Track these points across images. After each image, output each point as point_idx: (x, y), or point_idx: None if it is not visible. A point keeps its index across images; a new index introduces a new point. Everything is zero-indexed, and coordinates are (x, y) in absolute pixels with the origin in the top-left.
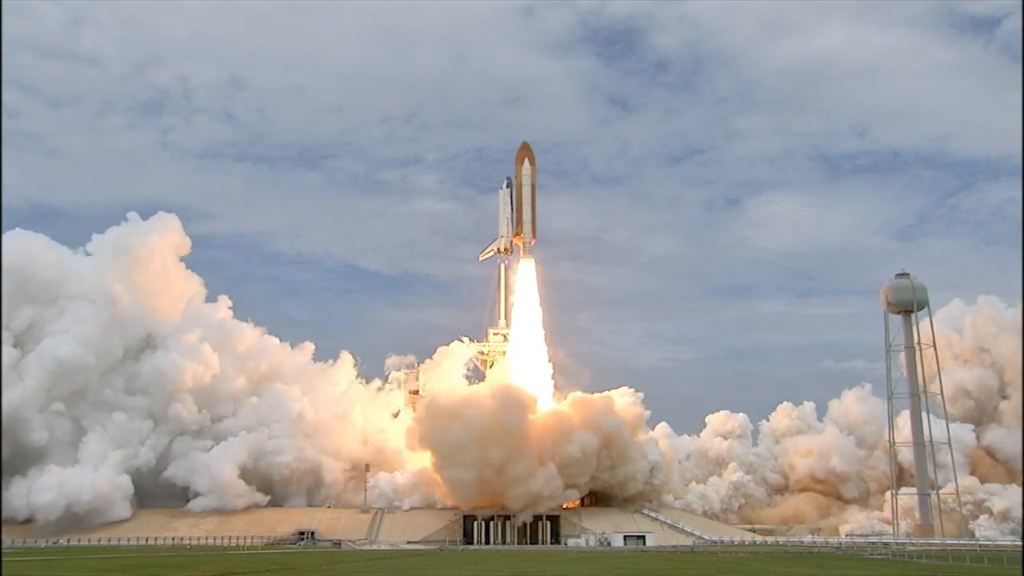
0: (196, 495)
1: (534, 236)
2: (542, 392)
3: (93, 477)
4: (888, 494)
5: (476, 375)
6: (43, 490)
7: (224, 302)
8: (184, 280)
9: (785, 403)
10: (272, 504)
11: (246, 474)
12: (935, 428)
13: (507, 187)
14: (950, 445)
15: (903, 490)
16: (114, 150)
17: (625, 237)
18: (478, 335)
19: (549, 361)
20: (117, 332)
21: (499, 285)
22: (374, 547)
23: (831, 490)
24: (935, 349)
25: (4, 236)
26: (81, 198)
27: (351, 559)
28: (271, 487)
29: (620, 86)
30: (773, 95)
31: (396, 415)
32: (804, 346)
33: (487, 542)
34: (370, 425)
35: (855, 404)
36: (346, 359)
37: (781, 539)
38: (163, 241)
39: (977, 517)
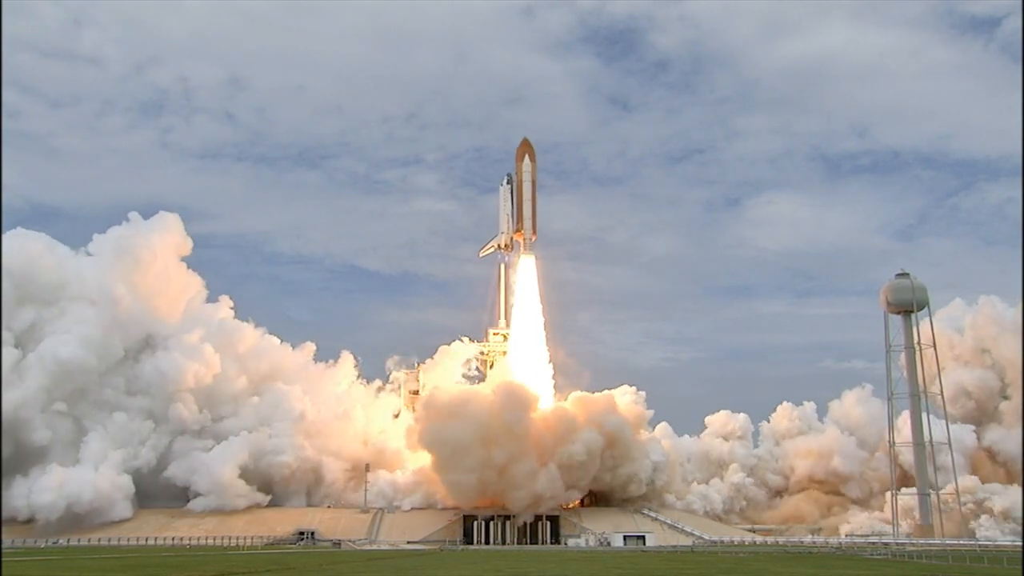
0: (196, 495)
1: (534, 232)
2: (543, 391)
3: (94, 477)
4: (888, 494)
5: (477, 375)
6: (44, 490)
7: (225, 302)
8: (185, 280)
9: (785, 403)
10: (272, 504)
11: (246, 474)
12: (935, 429)
13: (507, 183)
14: (950, 445)
15: (904, 490)
16: (114, 150)
17: (625, 237)
18: (478, 335)
19: (549, 359)
20: (118, 332)
21: (499, 285)
22: (374, 547)
23: (833, 490)
24: (935, 349)
25: (5, 236)
26: (81, 198)
27: (351, 559)
28: (271, 487)
29: (620, 86)
30: (773, 95)
31: (396, 415)
32: (804, 346)
33: (487, 542)
34: (371, 425)
35: (855, 405)
36: (347, 359)
37: (781, 539)
38: (164, 241)
39: (978, 517)
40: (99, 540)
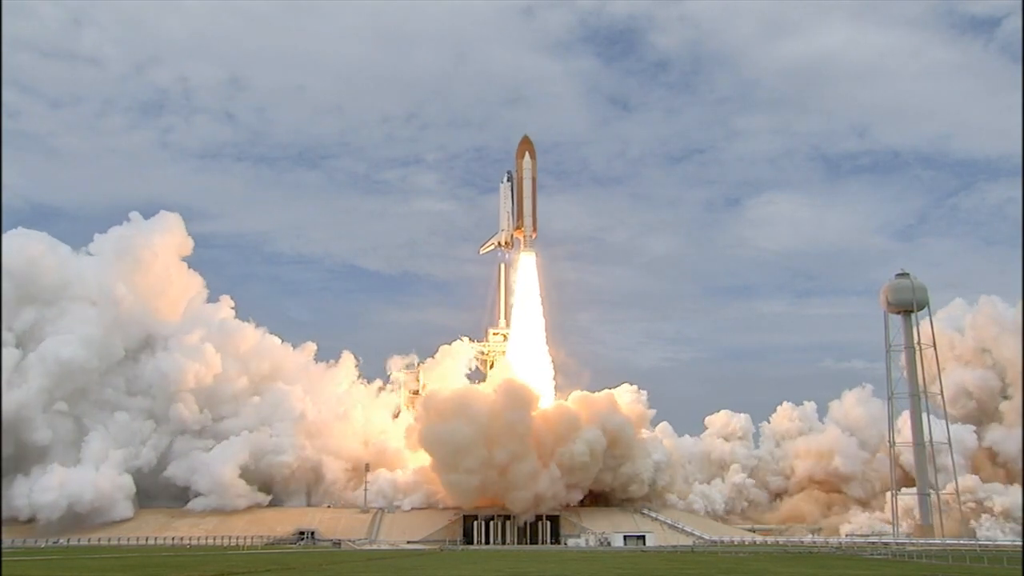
0: (196, 495)
1: (535, 229)
2: (543, 390)
3: (95, 477)
4: (888, 494)
5: (477, 376)
6: (45, 490)
7: (226, 302)
8: (186, 280)
9: (786, 403)
10: (273, 504)
11: (247, 474)
12: (936, 429)
13: (507, 181)
14: (950, 446)
15: (904, 490)
16: (114, 150)
17: (625, 237)
18: (478, 335)
19: (549, 357)
20: (119, 332)
21: (499, 285)
22: (374, 547)
23: (834, 489)
24: (935, 349)
25: (6, 235)
26: (81, 198)
27: (351, 559)
28: (272, 487)
29: (620, 86)
30: (773, 95)
31: (397, 415)
32: (804, 346)
33: (487, 542)
34: (371, 425)
35: (856, 405)
36: (347, 359)
37: (781, 539)
38: (165, 241)
39: (979, 516)
40: (99, 540)
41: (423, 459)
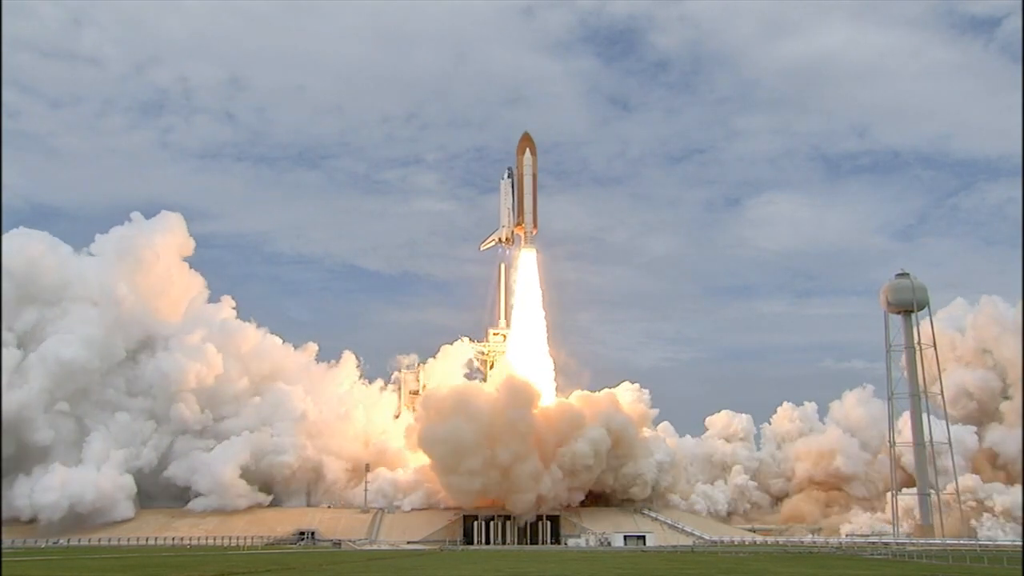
0: (197, 495)
1: (535, 226)
2: (545, 388)
3: (96, 477)
4: (888, 494)
5: (477, 376)
6: (47, 490)
7: (227, 302)
8: (187, 280)
9: (786, 404)
10: (273, 504)
11: (247, 474)
12: (936, 429)
13: (508, 177)
14: (950, 446)
15: (905, 491)
16: (114, 150)
17: (625, 237)
18: (478, 335)
19: (550, 353)
20: (120, 332)
21: (499, 285)
22: (374, 547)
23: (835, 488)
24: (935, 349)
25: (7, 235)
26: (81, 198)
27: (351, 559)
28: (272, 487)
29: (620, 86)
30: (773, 95)
31: (397, 417)
32: (804, 346)
33: (487, 542)
34: (372, 426)
35: (856, 406)
36: (348, 359)
37: (781, 539)
38: (167, 241)
39: (980, 516)
40: (99, 540)
41: (424, 459)
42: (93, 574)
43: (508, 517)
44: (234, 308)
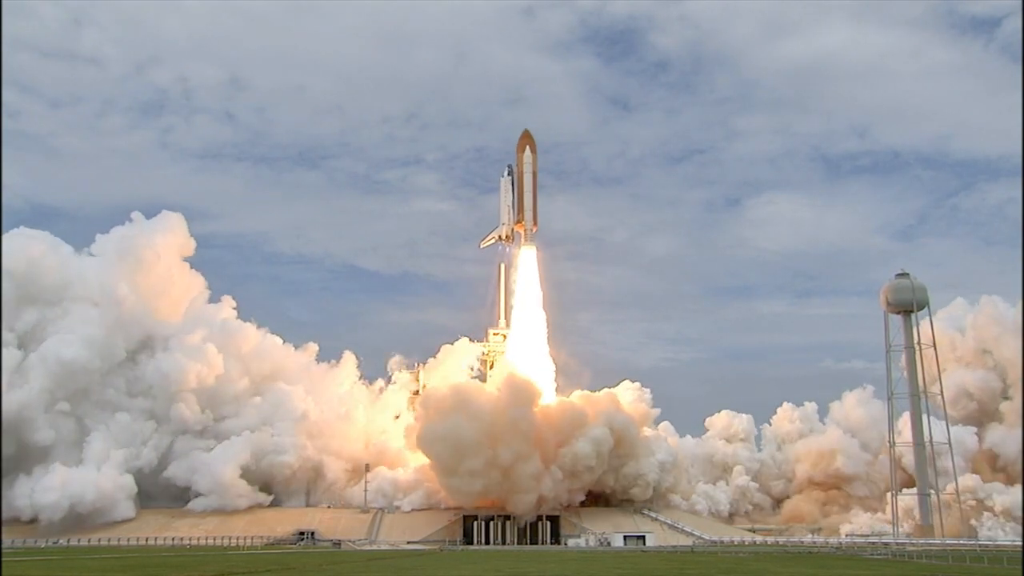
0: (197, 495)
1: (535, 224)
2: (545, 386)
3: (96, 477)
4: (888, 494)
5: (478, 376)
6: (47, 490)
7: (228, 302)
8: (187, 280)
9: (786, 404)
10: (273, 504)
11: (248, 474)
12: (936, 430)
13: (508, 175)
14: (950, 446)
15: (905, 491)
16: (114, 150)
17: (625, 237)
18: (478, 335)
19: (550, 352)
20: (121, 333)
21: (499, 285)
22: (374, 547)
23: (835, 488)
24: (935, 350)
25: (7, 235)
26: (81, 198)
27: (351, 559)
28: (272, 487)
29: (620, 86)
30: (773, 95)
31: (397, 418)
32: (804, 346)
33: (487, 542)
34: (372, 426)
35: (856, 406)
36: (349, 359)
37: (781, 539)
38: (168, 241)
39: (980, 515)
40: (99, 540)
41: (424, 459)
42: (93, 574)
43: (508, 517)
44: (234, 308)
